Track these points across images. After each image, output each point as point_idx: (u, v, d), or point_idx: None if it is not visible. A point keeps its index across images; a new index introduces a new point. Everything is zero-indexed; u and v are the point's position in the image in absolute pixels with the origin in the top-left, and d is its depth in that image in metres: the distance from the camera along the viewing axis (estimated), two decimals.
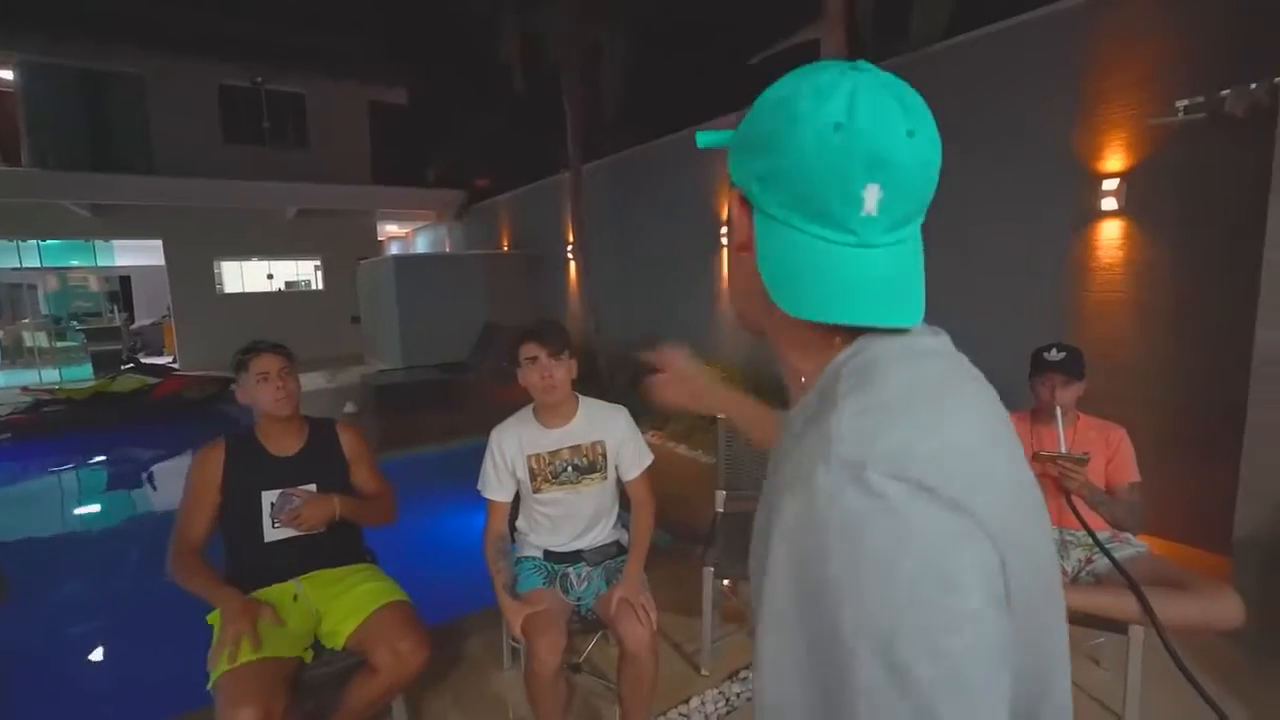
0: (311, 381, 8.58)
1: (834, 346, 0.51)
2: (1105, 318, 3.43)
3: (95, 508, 5.27)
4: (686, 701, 2.11)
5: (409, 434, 5.96)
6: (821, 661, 0.40)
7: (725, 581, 2.42)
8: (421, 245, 15.64)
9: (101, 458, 6.32)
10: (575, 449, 1.95)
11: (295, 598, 1.81)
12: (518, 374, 1.90)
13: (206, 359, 10.22)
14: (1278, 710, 1.97)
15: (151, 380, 7.30)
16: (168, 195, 10.56)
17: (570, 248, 8.38)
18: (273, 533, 1.85)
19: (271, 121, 12.31)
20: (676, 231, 6.88)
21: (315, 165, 12.28)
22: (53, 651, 2.83)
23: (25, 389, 7.49)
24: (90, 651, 2.92)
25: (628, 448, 2.00)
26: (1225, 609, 1.67)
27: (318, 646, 1.77)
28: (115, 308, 13.44)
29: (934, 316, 0.52)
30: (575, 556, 1.99)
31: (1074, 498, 1.90)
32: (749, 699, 2.12)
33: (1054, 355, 2.04)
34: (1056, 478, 1.90)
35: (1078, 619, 1.78)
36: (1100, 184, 3.35)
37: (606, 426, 1.99)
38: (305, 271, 13.14)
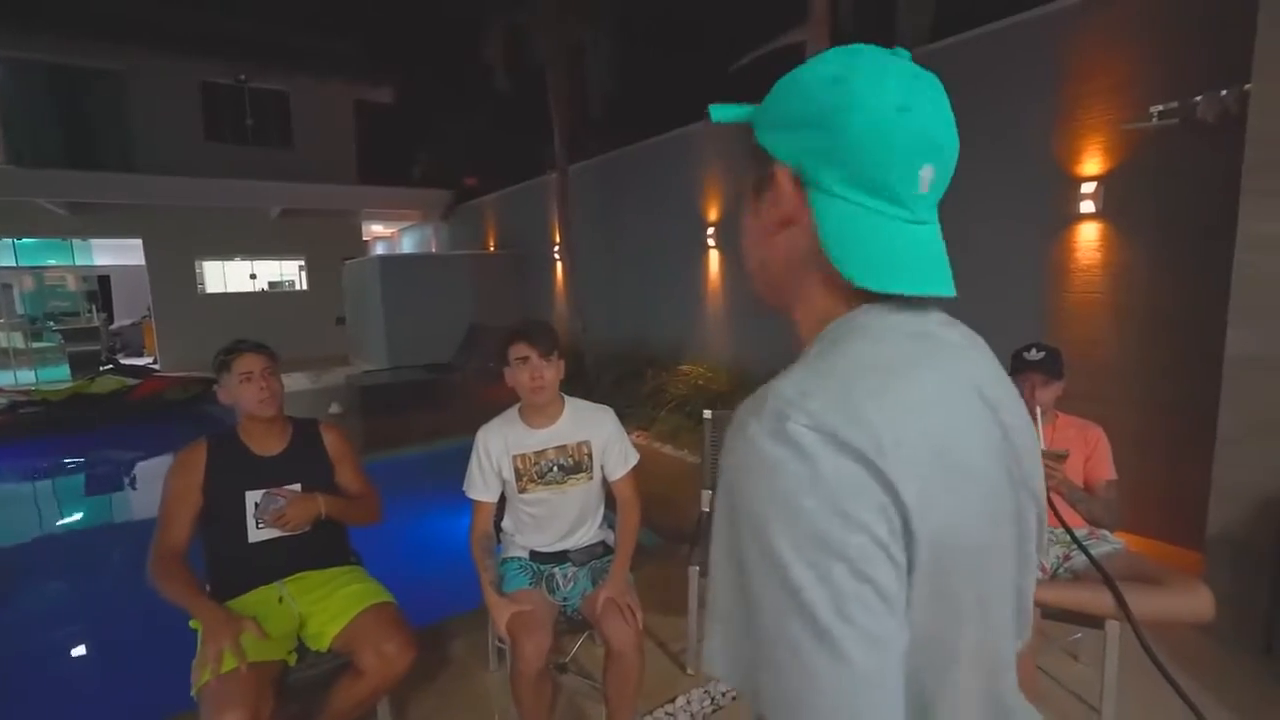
0: (296, 383, 8.49)
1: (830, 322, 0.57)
2: (1083, 318, 3.49)
3: (73, 511, 5.18)
4: (672, 701, 2.12)
5: (394, 435, 5.93)
6: (743, 584, 0.45)
7: None
8: (407, 245, 15.54)
9: (79, 460, 6.22)
10: (561, 449, 1.95)
11: (280, 600, 1.80)
12: (505, 373, 1.90)
13: (188, 360, 10.07)
14: (1248, 700, 2.02)
15: (131, 381, 7.19)
16: (148, 194, 10.40)
17: (557, 248, 8.38)
18: (257, 533, 1.83)
19: (255, 120, 12.17)
20: (663, 232, 6.90)
21: (300, 164, 12.16)
22: (30, 656, 2.79)
23: (0, 391, 7.35)
24: (69, 656, 2.87)
25: (614, 448, 2.00)
26: (1197, 604, 1.71)
27: (302, 649, 1.76)
28: (94, 308, 13.19)
29: None
30: (561, 557, 1.99)
31: (1053, 496, 1.93)
32: (734, 698, 2.13)
33: (1033, 355, 2.07)
34: None
35: (1056, 614, 1.81)
36: (1079, 187, 3.41)
37: (592, 426, 1.99)
38: (289, 272, 13.00)
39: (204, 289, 11.76)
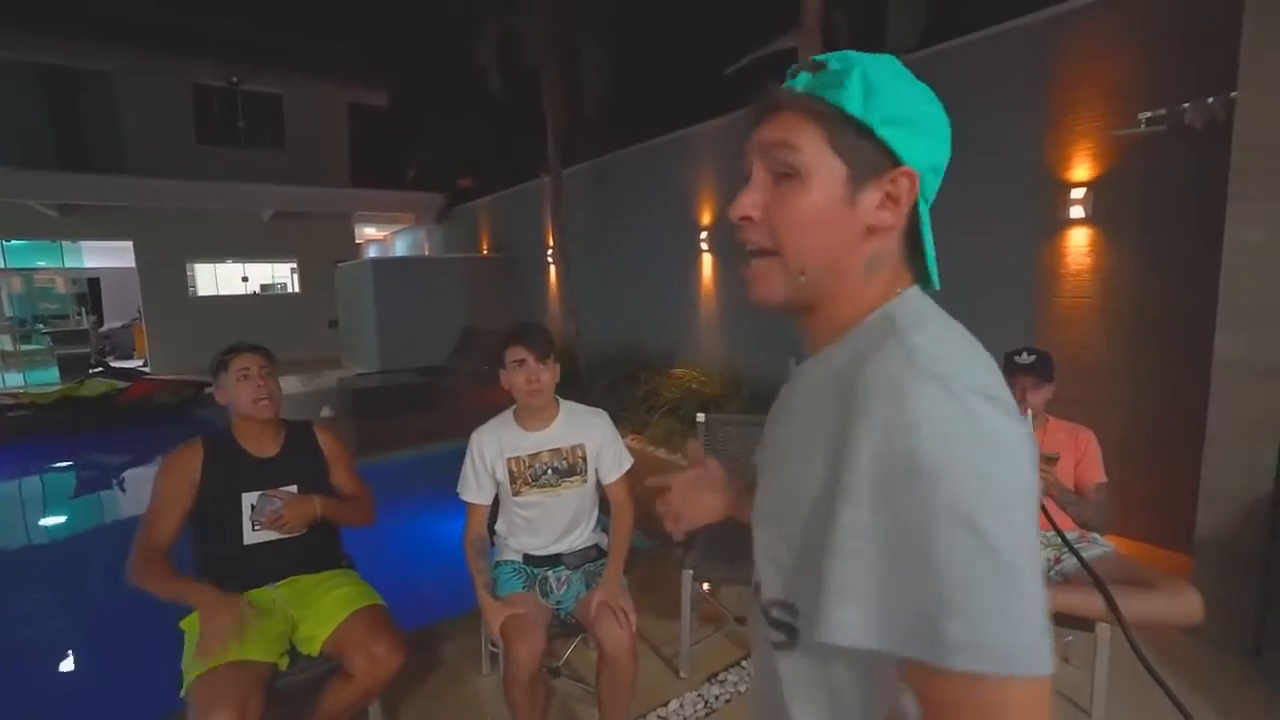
0: (288, 385, 8.42)
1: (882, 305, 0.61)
2: (1074, 322, 3.52)
3: (62, 515, 5.13)
4: (665, 704, 2.12)
5: (387, 438, 5.90)
6: (906, 545, 0.46)
7: (704, 584, 2.43)
8: (400, 248, 15.50)
9: (68, 464, 6.16)
10: (555, 452, 1.95)
11: (272, 603, 1.79)
12: (501, 376, 1.90)
13: (178, 363, 10.01)
14: (1237, 702, 2.03)
15: (121, 384, 7.13)
16: (139, 196, 10.34)
17: (550, 251, 8.37)
18: (252, 535, 1.82)
19: (247, 122, 12.13)
20: (656, 235, 6.92)
21: (292, 167, 12.12)
22: (17, 661, 2.76)
23: None
24: (56, 661, 2.84)
25: (608, 451, 2.00)
26: (1186, 606, 1.72)
27: (293, 653, 1.75)
28: (84, 310, 13.10)
29: None
30: (555, 560, 1.99)
31: (1044, 498, 1.94)
32: (728, 701, 2.13)
33: (1024, 359, 2.09)
34: None
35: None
36: (1069, 193, 3.44)
37: (587, 430, 1.99)
38: (281, 274, 12.95)
39: (195, 292, 11.70)
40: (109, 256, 12.70)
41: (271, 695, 1.60)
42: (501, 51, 7.75)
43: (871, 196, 0.58)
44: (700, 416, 2.62)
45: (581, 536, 2.03)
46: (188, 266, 11.50)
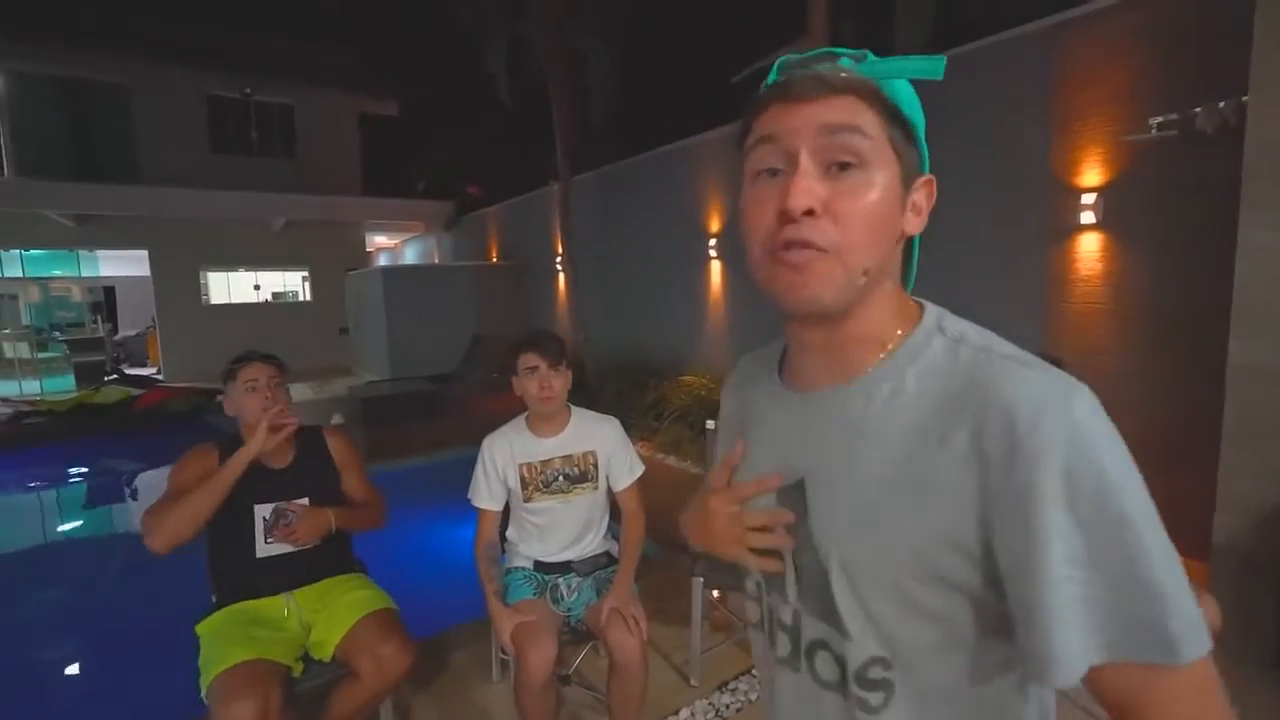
0: (298, 393, 8.50)
1: (916, 312, 0.60)
2: (1085, 328, 3.49)
3: (76, 520, 5.18)
4: (676, 713, 2.11)
5: (396, 446, 5.93)
6: (1116, 558, 0.46)
7: (714, 592, 2.43)
8: (410, 256, 15.60)
9: (83, 470, 6.23)
10: (567, 458, 1.96)
11: (286, 611, 1.80)
12: (514, 383, 1.91)
13: (191, 370, 10.11)
14: (1256, 714, 2.00)
15: (135, 391, 7.21)
16: (154, 206, 10.48)
17: (559, 259, 8.41)
18: (265, 548, 1.81)
19: (260, 132, 12.28)
20: (664, 243, 6.93)
21: (304, 176, 12.25)
22: (31, 667, 2.78)
23: (5, 400, 7.38)
24: (71, 665, 2.87)
25: (619, 458, 2.01)
26: (1204, 615, 1.70)
27: (307, 659, 1.76)
28: (99, 318, 13.27)
29: None
30: (565, 567, 1.99)
31: None
32: (739, 709, 2.12)
33: None
34: None
35: None
36: (1079, 198, 3.42)
37: (598, 436, 2.00)
38: (293, 282, 13.07)
39: (208, 299, 11.82)
40: (124, 265, 12.87)
41: (288, 696, 1.62)
42: (510, 61, 7.83)
43: (909, 201, 0.57)
44: (710, 424, 2.62)
45: (592, 543, 2.03)
46: (201, 275, 11.64)
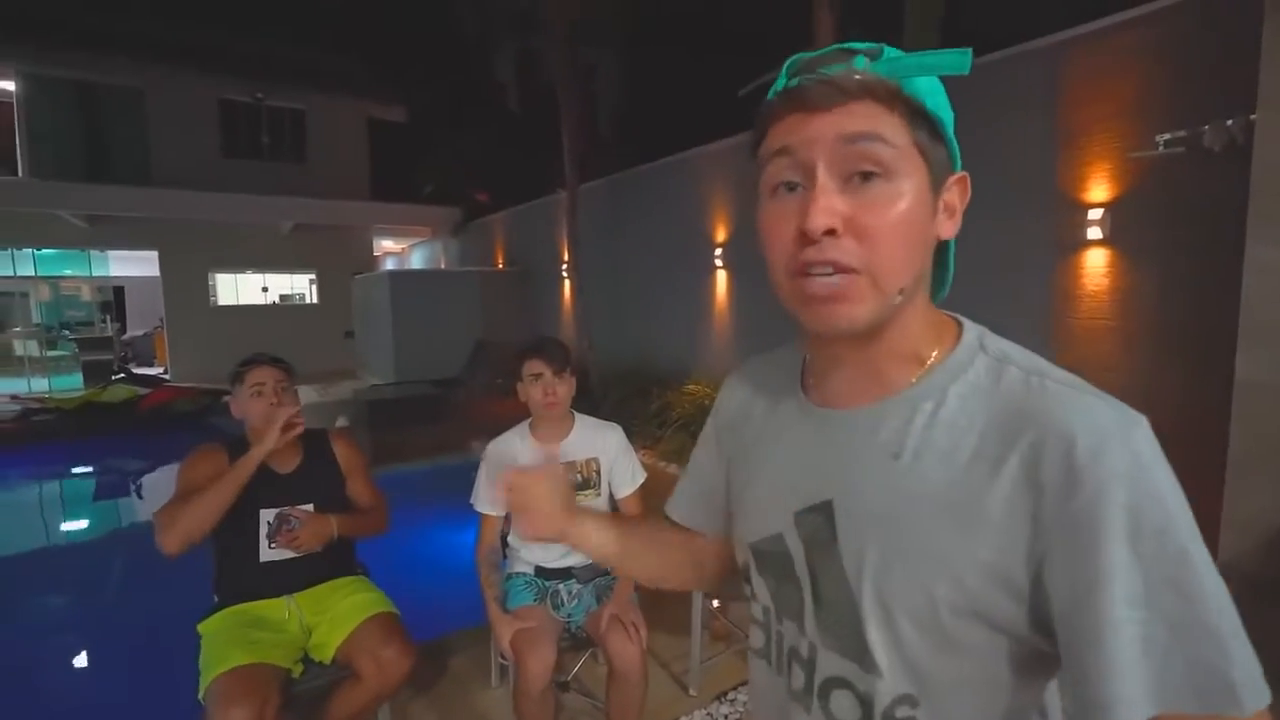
0: (303, 395, 8.49)
1: (954, 328, 0.57)
2: (1091, 343, 3.48)
3: (82, 518, 5.21)
4: None
5: (400, 449, 5.94)
6: (1177, 598, 0.43)
7: (715, 602, 2.42)
8: (417, 261, 15.69)
9: (90, 468, 6.27)
10: (570, 465, 1.96)
11: (288, 613, 1.80)
12: (518, 389, 1.92)
13: (198, 370, 10.17)
14: None
15: (141, 391, 7.27)
16: (165, 207, 10.58)
17: (565, 266, 8.44)
18: (268, 553, 1.81)
19: (271, 136, 12.39)
20: (670, 251, 6.95)
21: (313, 180, 12.35)
22: (35, 664, 2.79)
23: (14, 397, 7.43)
24: (73, 664, 2.87)
25: (621, 465, 2.01)
26: None
27: (307, 661, 1.76)
28: (108, 318, 13.36)
29: None
30: (566, 573, 1.99)
31: None
32: (738, 719, 2.11)
33: None
34: None
35: None
36: (1085, 214, 3.43)
37: (601, 443, 2.00)
38: (300, 285, 13.15)
39: (216, 301, 11.90)
40: (134, 265, 12.97)
41: (287, 699, 1.62)
42: (519, 68, 7.89)
43: (940, 203, 0.53)
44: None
45: None
46: (209, 276, 11.73)
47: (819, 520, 0.57)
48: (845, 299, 0.50)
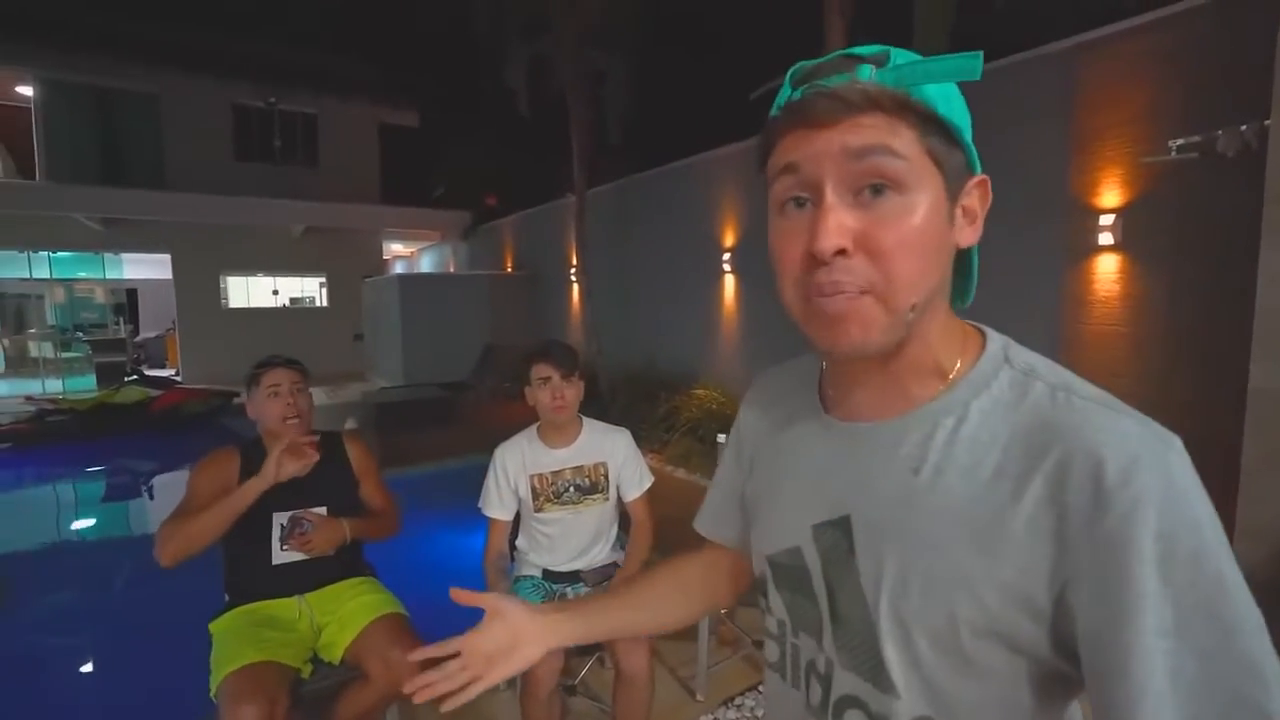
0: (313, 398, 8.58)
1: (978, 339, 0.56)
2: (1102, 349, 3.46)
3: (94, 518, 5.26)
4: None
5: (409, 452, 5.96)
6: (1212, 627, 0.41)
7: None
8: (426, 265, 15.77)
9: (102, 468, 6.33)
10: (578, 469, 1.97)
11: (299, 613, 1.81)
12: (526, 393, 1.92)
13: (209, 372, 10.26)
14: None
15: (153, 393, 7.33)
16: (178, 210, 10.71)
17: (573, 270, 8.46)
18: (280, 555, 1.82)
19: (283, 140, 12.51)
20: (679, 256, 6.96)
21: (324, 184, 12.45)
22: (48, 662, 2.82)
23: (29, 398, 7.52)
24: (86, 662, 2.90)
25: (629, 469, 2.01)
26: None
27: (315, 661, 1.77)
28: (121, 320, 13.51)
29: None
30: (574, 577, 1.99)
31: None
32: None
33: None
34: None
35: None
36: (1097, 219, 3.41)
37: (609, 447, 2.01)
38: (310, 288, 13.26)
39: (227, 303, 12.01)
40: (147, 268, 13.12)
41: (296, 699, 1.63)
42: (529, 74, 7.93)
43: (958, 210, 0.51)
44: (721, 438, 2.62)
45: (601, 553, 2.04)
46: (221, 279, 11.84)
47: (837, 534, 0.56)
48: (856, 320, 0.49)
